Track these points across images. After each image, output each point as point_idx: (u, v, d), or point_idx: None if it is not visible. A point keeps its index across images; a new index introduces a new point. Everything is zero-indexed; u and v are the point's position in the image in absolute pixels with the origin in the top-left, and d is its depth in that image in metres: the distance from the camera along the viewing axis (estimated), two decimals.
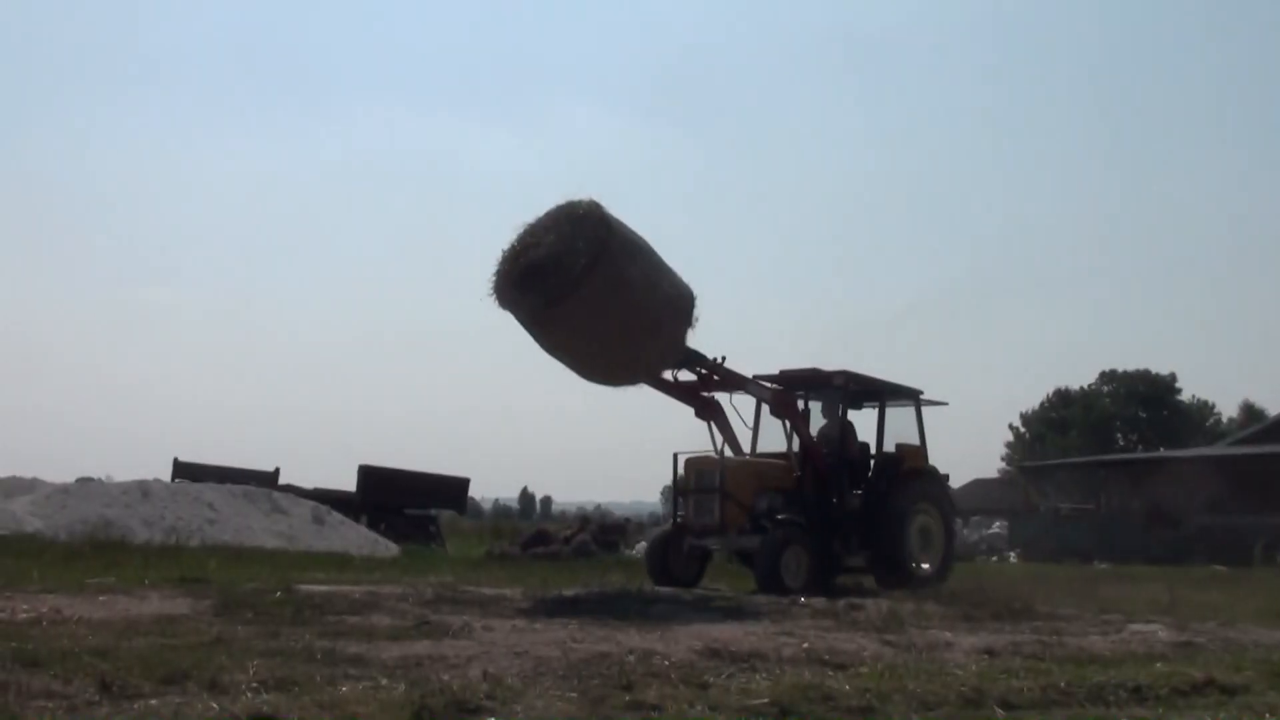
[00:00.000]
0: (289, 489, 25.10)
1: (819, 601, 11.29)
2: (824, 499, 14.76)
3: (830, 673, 6.49)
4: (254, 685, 5.12)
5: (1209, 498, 34.77)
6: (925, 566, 14.94)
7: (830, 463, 14.87)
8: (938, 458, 15.73)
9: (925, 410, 15.69)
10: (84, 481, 26.17)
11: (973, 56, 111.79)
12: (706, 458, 14.25)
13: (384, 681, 5.46)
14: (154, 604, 8.83)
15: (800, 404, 15.38)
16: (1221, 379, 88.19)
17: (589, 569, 18.28)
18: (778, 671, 6.44)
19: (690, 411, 14.36)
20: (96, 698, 4.82)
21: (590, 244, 11.69)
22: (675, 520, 14.94)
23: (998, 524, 42.94)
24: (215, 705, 4.66)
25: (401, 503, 27.23)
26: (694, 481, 14.43)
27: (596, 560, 22.07)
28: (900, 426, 15.71)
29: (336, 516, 23.32)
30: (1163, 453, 49.00)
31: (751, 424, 15.15)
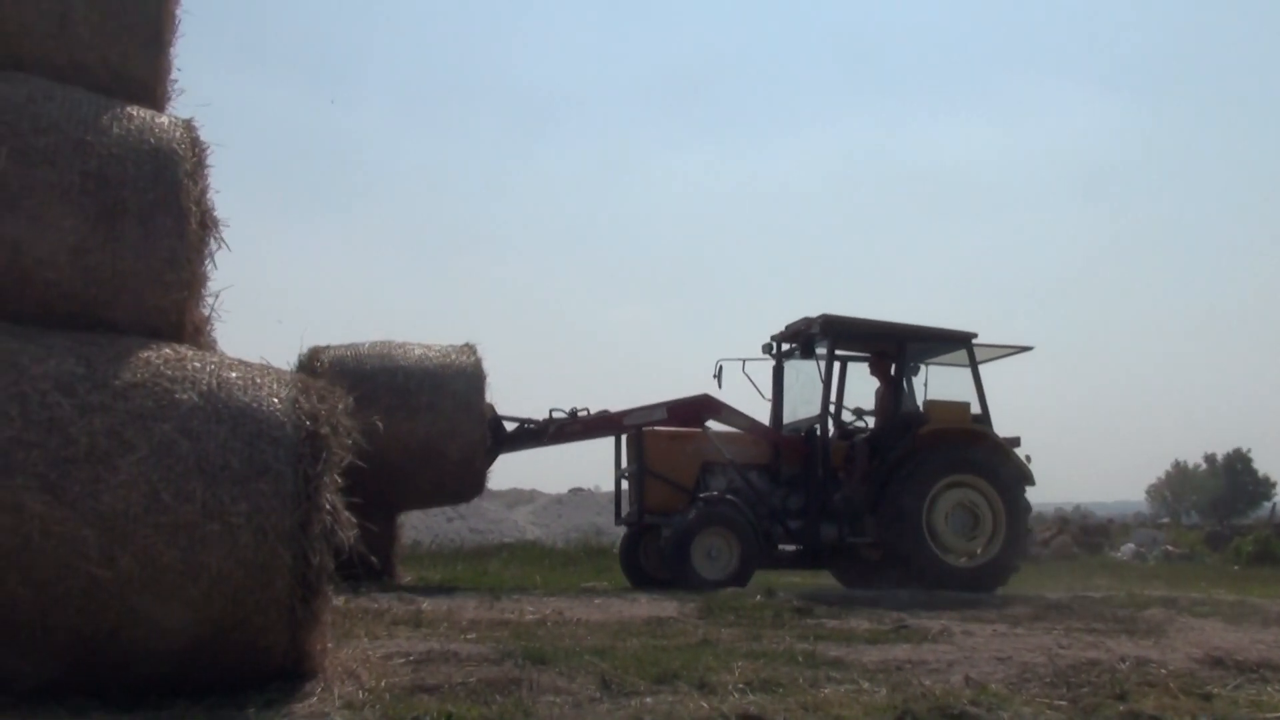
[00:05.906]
0: None
1: None
2: (806, 475, 12.31)
3: None
4: (740, 686, 5.26)
5: None
6: (963, 559, 11.98)
7: (812, 431, 12.44)
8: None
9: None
10: (576, 492, 27.90)
11: None
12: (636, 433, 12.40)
13: (865, 685, 5.45)
14: (644, 607, 9.29)
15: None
16: None
17: (1071, 572, 17.63)
18: None
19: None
20: (598, 694, 5.11)
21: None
22: (617, 508, 13.09)
23: None
24: (705, 704, 4.82)
25: None
26: (629, 459, 12.57)
27: (1079, 563, 21.29)
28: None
29: None
30: None
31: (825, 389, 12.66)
